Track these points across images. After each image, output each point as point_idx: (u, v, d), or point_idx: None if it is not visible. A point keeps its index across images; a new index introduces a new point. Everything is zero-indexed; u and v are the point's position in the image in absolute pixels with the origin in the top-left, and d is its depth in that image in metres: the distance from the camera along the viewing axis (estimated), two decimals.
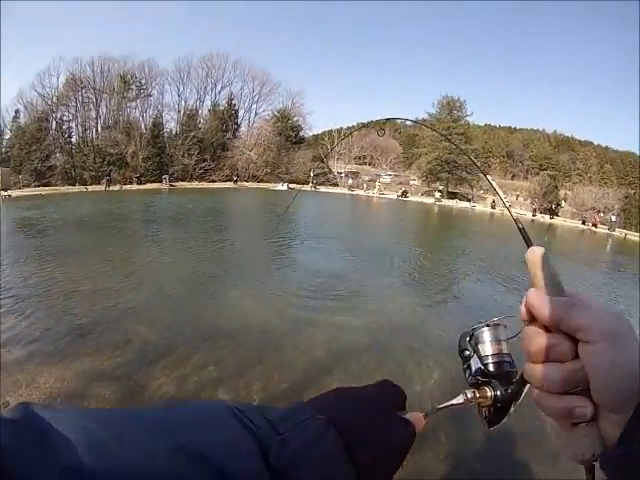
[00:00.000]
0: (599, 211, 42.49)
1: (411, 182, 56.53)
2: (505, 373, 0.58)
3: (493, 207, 44.35)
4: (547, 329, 0.46)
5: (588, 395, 0.43)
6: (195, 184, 47.16)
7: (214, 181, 47.87)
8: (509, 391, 0.56)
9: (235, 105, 56.13)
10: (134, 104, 51.64)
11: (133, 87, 50.92)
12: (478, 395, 0.58)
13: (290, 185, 46.15)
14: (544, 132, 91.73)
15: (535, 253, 0.52)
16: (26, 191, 35.33)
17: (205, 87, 54.64)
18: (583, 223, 39.98)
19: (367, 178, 55.78)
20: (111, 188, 40.91)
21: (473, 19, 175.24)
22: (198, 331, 6.78)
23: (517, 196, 54.77)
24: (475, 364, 0.59)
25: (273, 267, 11.62)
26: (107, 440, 0.30)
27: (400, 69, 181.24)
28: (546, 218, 41.77)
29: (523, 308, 0.49)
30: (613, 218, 37.83)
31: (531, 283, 0.50)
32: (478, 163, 1.22)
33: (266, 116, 56.69)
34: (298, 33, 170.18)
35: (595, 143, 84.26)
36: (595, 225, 38.07)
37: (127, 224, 19.31)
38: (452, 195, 50.20)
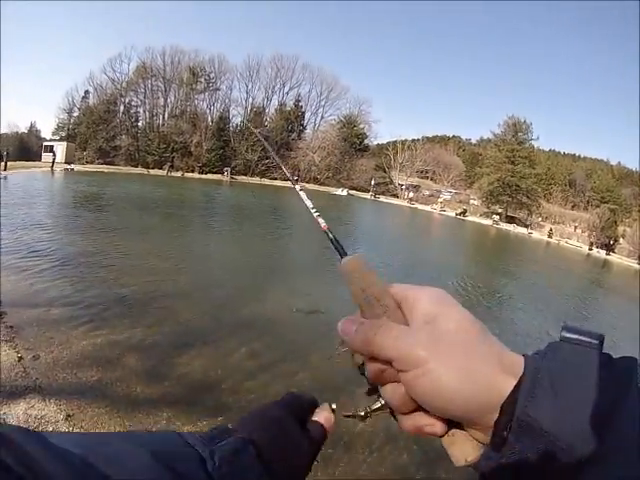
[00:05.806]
0: None
1: (471, 201, 56.51)
2: None
3: (550, 236, 43.94)
4: None
5: None
6: (256, 180, 48.08)
7: (275, 179, 49.01)
8: None
9: (302, 107, 57.48)
10: (202, 96, 53.87)
11: (202, 80, 53.03)
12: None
13: (350, 191, 46.60)
14: (608, 162, 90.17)
15: (346, 265, 0.46)
16: (89, 167, 37.22)
17: (273, 86, 56.16)
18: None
19: (427, 193, 55.84)
20: (172, 174, 42.01)
21: (543, 41, 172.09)
22: (237, 322, 6.72)
23: (575, 227, 53.51)
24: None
25: (321, 269, 11.49)
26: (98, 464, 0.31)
27: (468, 85, 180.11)
28: (602, 253, 41.92)
29: None
30: None
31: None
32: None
33: (332, 120, 57.46)
34: (371, 43, 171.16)
35: None
36: None
37: (186, 211, 19.74)
38: (510, 219, 49.64)
